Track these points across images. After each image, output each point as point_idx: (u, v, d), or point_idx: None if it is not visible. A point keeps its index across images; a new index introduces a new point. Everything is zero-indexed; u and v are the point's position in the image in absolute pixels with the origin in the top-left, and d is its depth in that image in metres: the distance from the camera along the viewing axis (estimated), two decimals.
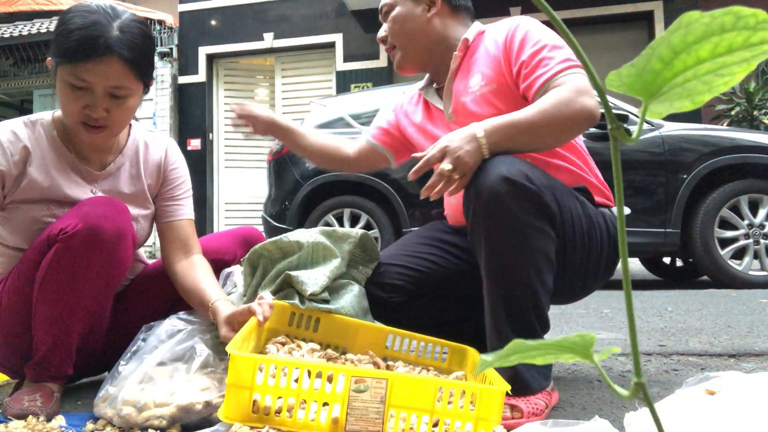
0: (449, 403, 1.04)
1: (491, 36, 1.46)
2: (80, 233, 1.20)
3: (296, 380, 1.02)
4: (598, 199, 1.42)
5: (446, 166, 1.19)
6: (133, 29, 1.24)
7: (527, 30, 1.38)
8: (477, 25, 1.54)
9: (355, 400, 1.01)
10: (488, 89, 1.41)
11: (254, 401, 1.03)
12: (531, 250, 1.18)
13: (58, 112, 1.39)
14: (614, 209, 1.48)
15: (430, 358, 1.43)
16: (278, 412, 1.03)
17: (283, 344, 1.31)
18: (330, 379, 1.07)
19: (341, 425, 1.01)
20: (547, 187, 1.22)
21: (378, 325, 1.44)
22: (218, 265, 1.51)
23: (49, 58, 1.28)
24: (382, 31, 1.58)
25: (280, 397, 1.03)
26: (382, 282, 1.49)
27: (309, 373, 1.05)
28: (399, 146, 1.71)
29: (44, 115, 1.38)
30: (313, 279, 1.36)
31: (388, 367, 1.34)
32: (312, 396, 1.03)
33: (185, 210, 1.53)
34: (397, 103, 1.72)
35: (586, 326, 2.43)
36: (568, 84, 1.26)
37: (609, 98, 4.26)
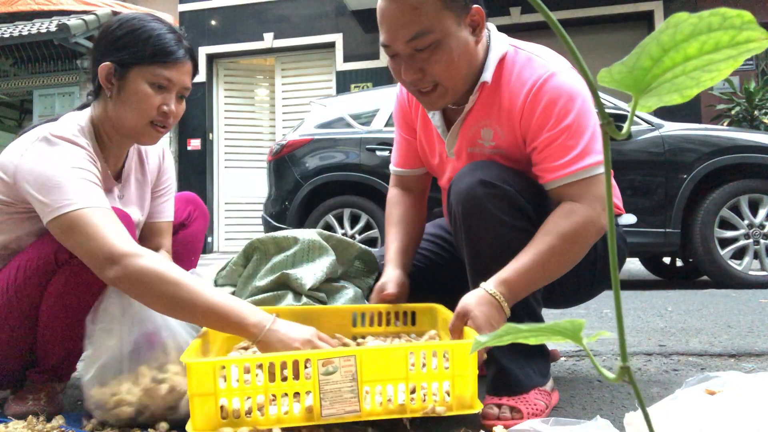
0: (423, 366, 1.04)
1: (508, 77, 1.27)
2: None
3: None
4: None
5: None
6: (187, 38, 1.36)
7: (549, 100, 1.20)
8: (495, 47, 1.29)
9: (327, 384, 0.98)
10: (496, 152, 1.30)
11: (222, 407, 0.99)
12: (511, 249, 1.19)
13: (87, 115, 1.34)
14: (620, 218, 1.46)
15: (400, 324, 1.43)
16: (249, 412, 1.00)
17: (246, 348, 1.29)
18: (297, 374, 1.02)
19: (317, 412, 0.98)
20: (526, 190, 1.23)
21: (340, 306, 1.43)
22: (178, 228, 1.59)
23: (107, 63, 1.27)
24: (416, 70, 1.21)
25: (248, 397, 1.00)
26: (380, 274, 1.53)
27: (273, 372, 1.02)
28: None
29: (80, 120, 1.32)
30: (311, 273, 1.37)
31: (358, 345, 1.32)
32: (281, 388, 0.99)
33: (169, 212, 1.56)
34: (397, 107, 1.54)
35: (586, 326, 2.42)
36: (579, 209, 1.17)
37: (615, 101, 4.24)
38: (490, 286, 1.15)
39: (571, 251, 1.18)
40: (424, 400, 1.04)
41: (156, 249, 1.49)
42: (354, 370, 0.99)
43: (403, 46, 1.19)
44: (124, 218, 1.26)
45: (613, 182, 1.46)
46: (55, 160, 1.17)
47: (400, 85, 1.45)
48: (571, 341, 0.37)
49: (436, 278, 1.55)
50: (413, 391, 1.03)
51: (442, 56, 1.19)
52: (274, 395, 1.01)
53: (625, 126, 0.34)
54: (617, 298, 0.36)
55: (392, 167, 1.59)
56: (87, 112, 1.35)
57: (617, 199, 1.46)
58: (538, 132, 1.22)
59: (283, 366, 1.01)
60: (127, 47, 1.27)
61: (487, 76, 1.27)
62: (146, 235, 1.52)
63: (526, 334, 0.38)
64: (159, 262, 1.12)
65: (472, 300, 1.15)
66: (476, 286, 1.24)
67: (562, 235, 1.16)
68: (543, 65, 1.25)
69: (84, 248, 1.12)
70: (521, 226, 1.21)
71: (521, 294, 1.17)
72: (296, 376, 1.01)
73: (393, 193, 1.59)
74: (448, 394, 1.07)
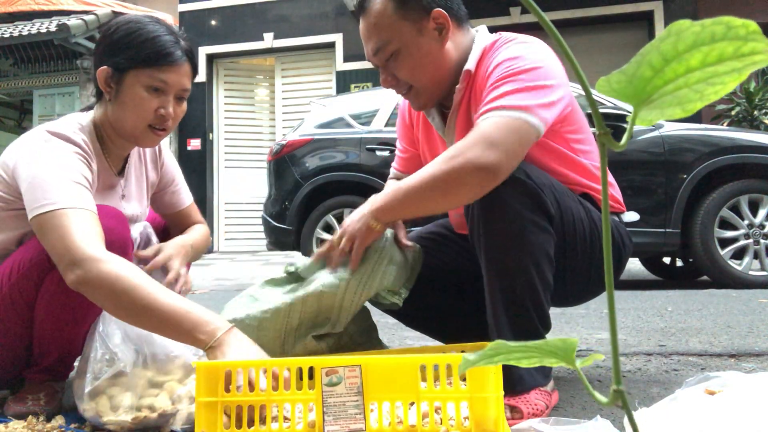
0: (436, 381, 0.94)
1: (488, 61, 1.31)
2: None
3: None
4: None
5: (336, 237, 1.28)
6: (187, 39, 1.36)
7: (501, 60, 1.25)
8: (479, 40, 1.35)
9: (330, 396, 0.91)
10: None
11: (226, 415, 0.94)
12: (529, 245, 1.18)
13: (90, 115, 1.36)
14: (623, 215, 1.47)
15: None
16: (251, 423, 0.94)
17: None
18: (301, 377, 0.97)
19: (319, 427, 0.91)
20: (547, 186, 1.22)
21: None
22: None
23: (104, 67, 1.28)
24: (389, 76, 1.34)
25: (251, 406, 0.95)
26: None
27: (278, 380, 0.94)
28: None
29: (82, 119, 1.34)
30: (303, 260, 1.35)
31: None
32: (283, 398, 0.93)
33: (186, 197, 1.61)
34: (399, 120, 1.62)
35: (586, 326, 2.43)
36: (472, 132, 1.16)
37: (615, 102, 4.26)
38: (367, 207, 1.26)
39: (443, 178, 1.16)
40: (439, 423, 0.92)
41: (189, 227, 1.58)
42: (359, 383, 0.91)
43: (374, 59, 1.35)
44: (116, 215, 1.26)
45: (612, 180, 1.47)
46: (44, 159, 1.19)
47: (403, 100, 1.53)
48: (564, 364, 0.36)
49: (441, 276, 1.54)
50: (425, 416, 0.91)
51: (405, 62, 1.31)
52: (277, 405, 0.95)
53: (624, 138, 0.33)
54: (611, 313, 0.36)
55: (392, 169, 1.66)
56: (90, 114, 1.37)
57: (619, 196, 1.46)
58: (489, 84, 1.23)
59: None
60: (124, 51, 1.27)
61: (471, 64, 1.32)
62: (178, 224, 1.59)
63: (517, 355, 0.37)
64: (120, 267, 1.09)
65: (352, 214, 1.30)
66: (490, 283, 1.23)
67: (439, 161, 1.17)
68: (515, 38, 1.30)
69: (53, 249, 1.12)
70: (540, 221, 1.19)
71: (390, 213, 1.25)
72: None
73: (388, 183, 1.66)
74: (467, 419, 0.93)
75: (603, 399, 0.35)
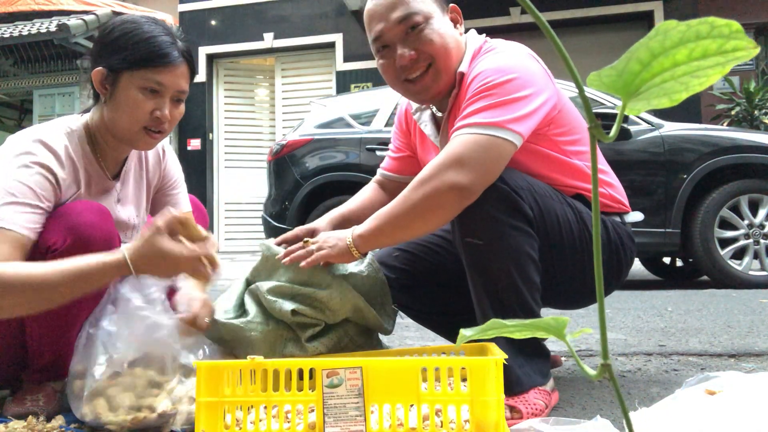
0: (437, 380, 0.96)
1: (472, 68, 1.32)
2: (70, 249, 1.17)
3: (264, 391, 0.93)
4: (602, 207, 1.41)
5: (312, 246, 1.27)
6: (185, 40, 1.34)
7: (478, 72, 1.26)
8: (470, 44, 1.37)
9: (331, 398, 0.91)
10: None
11: (225, 416, 0.95)
12: (508, 247, 1.19)
13: (83, 119, 1.36)
14: (627, 216, 1.46)
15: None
16: (252, 424, 0.95)
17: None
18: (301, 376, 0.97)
19: (320, 428, 0.91)
20: (524, 189, 1.23)
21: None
22: None
23: (100, 68, 1.27)
24: (410, 50, 1.29)
25: (251, 407, 0.95)
26: (390, 264, 1.53)
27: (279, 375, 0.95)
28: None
29: (72, 123, 1.33)
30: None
31: None
32: (284, 399, 0.94)
33: (184, 204, 1.58)
34: (397, 125, 1.63)
35: (586, 326, 2.43)
36: (444, 152, 1.18)
37: (615, 102, 4.24)
38: (348, 234, 1.25)
39: (426, 216, 1.19)
40: (440, 425, 0.92)
41: None
42: (360, 384, 0.91)
43: (396, 27, 1.28)
44: (98, 210, 1.25)
45: (616, 180, 1.47)
46: (2, 168, 1.18)
47: (400, 107, 1.56)
48: (555, 337, 0.37)
49: (451, 275, 1.52)
50: (426, 419, 0.91)
51: (432, 33, 1.28)
52: (277, 406, 0.95)
53: (613, 129, 0.35)
54: (600, 295, 0.37)
55: (380, 169, 1.67)
56: (84, 117, 1.36)
57: (621, 197, 1.45)
58: (466, 97, 1.25)
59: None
60: (119, 52, 1.25)
61: (464, 66, 1.33)
62: None
63: (510, 328, 0.39)
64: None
65: (332, 231, 1.30)
66: (475, 287, 1.24)
67: (414, 184, 1.18)
68: (495, 48, 1.32)
69: None
70: (518, 224, 1.21)
71: (371, 240, 1.24)
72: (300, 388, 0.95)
73: (369, 184, 1.68)
74: (468, 422, 0.93)
75: (591, 372, 0.36)
